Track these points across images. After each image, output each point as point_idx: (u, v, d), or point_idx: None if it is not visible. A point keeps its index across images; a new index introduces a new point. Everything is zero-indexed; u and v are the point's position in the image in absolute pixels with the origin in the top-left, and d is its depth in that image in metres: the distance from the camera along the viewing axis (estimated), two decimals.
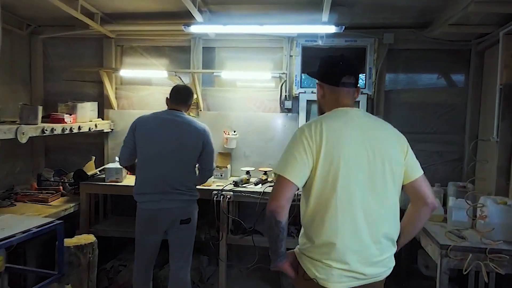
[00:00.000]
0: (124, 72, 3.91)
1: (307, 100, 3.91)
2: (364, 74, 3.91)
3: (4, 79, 3.88)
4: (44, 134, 3.12)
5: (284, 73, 3.86)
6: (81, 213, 3.62)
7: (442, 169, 3.87)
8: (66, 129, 3.40)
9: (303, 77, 4.03)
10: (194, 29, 3.39)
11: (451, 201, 3.04)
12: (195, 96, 4.01)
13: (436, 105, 3.87)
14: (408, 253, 3.70)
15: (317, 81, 1.79)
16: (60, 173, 4.12)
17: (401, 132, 1.78)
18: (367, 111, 3.80)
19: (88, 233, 3.44)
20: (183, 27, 3.36)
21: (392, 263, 1.72)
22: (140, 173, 2.77)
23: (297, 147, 1.59)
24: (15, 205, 3.39)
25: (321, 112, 1.79)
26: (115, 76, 4.16)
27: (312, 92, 3.92)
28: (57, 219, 3.27)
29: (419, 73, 3.98)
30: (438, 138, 3.87)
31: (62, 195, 3.75)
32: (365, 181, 1.59)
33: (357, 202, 1.57)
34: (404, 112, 3.91)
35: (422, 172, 1.73)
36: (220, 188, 3.47)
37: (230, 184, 3.57)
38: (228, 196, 3.37)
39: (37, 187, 3.80)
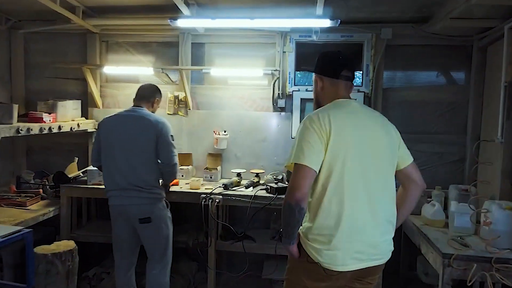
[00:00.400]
0: (108, 69, 3.71)
1: (301, 99, 3.73)
2: (361, 72, 3.73)
3: None
4: (19, 134, 2.92)
5: (276, 70, 3.67)
6: (62, 217, 3.43)
7: (442, 171, 3.69)
8: (45, 129, 3.20)
9: (298, 75, 3.84)
10: (181, 23, 3.20)
11: (453, 205, 2.87)
12: (181, 94, 3.83)
13: (436, 103, 3.69)
14: (407, 259, 3.52)
15: (315, 75, 1.88)
16: (42, 175, 3.92)
17: (399, 132, 1.89)
18: None
19: (69, 239, 3.26)
20: (169, 21, 3.17)
21: (391, 246, 1.81)
22: (104, 171, 2.82)
23: (311, 135, 1.65)
24: None
25: (318, 105, 1.87)
26: (100, 74, 3.96)
27: (306, 90, 3.73)
28: (35, 224, 3.11)
29: (418, 70, 3.80)
30: (438, 139, 3.69)
31: (43, 199, 3.56)
32: (369, 167, 1.69)
33: (361, 187, 1.67)
34: (403, 111, 3.74)
35: (413, 159, 1.89)
36: (209, 191, 3.28)
37: (220, 187, 3.38)
38: (217, 200, 3.18)
39: (16, 190, 3.61)
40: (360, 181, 1.67)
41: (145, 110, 2.84)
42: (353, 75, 1.87)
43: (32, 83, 4.11)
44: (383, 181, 1.73)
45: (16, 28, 3.95)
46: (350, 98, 1.84)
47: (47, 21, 3.82)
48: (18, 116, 3.33)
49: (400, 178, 1.88)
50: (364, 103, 3.63)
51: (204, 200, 3.18)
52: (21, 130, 2.92)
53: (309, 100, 3.75)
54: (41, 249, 3.01)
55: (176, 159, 2.82)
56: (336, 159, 1.64)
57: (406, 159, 1.85)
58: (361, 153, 1.68)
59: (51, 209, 3.32)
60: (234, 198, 3.21)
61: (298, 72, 3.83)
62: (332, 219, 1.65)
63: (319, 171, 1.65)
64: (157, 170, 2.81)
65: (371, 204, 1.68)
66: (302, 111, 3.74)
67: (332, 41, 3.69)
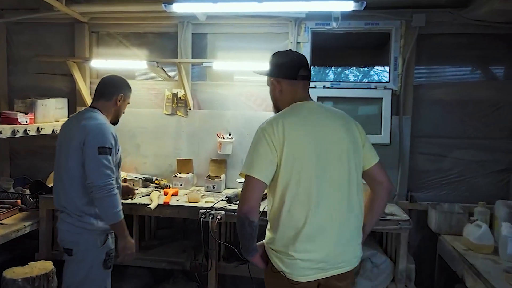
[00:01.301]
0: (96, 63, 3.24)
1: (317, 97, 3.21)
2: (388, 66, 3.21)
3: None
4: None
5: None
6: (41, 233, 2.98)
7: (484, 182, 3.14)
8: (18, 131, 2.74)
9: (314, 69, 3.33)
10: (177, 8, 2.72)
11: (505, 228, 2.35)
12: (180, 91, 3.35)
13: (477, 103, 3.15)
14: (441, 286, 2.99)
15: (272, 78, 1.81)
16: (24, 182, 3.49)
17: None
18: (391, 109, 3.12)
19: (49, 258, 2.81)
20: (163, 5, 2.70)
21: (359, 252, 1.75)
22: None
23: (261, 145, 1.63)
24: None
25: (277, 109, 1.82)
26: (89, 69, 3.50)
27: (324, 87, 3.22)
28: (6, 242, 2.68)
29: (456, 64, 3.25)
30: (479, 144, 3.15)
31: (21, 210, 3.11)
32: (330, 172, 1.64)
33: (322, 194, 1.62)
34: (437, 111, 3.20)
35: (378, 159, 1.82)
36: (210, 205, 2.79)
37: (223, 200, 2.89)
38: (219, 217, 2.68)
39: None
40: (322, 187, 1.62)
41: (92, 112, 2.23)
42: (310, 73, 1.83)
43: (15, 79, 3.68)
44: (346, 185, 1.67)
45: None
46: (308, 97, 1.81)
47: (30, 10, 3.39)
48: None
49: (366, 179, 1.83)
50: (391, 103, 3.12)
51: (203, 216, 2.69)
52: None
53: (327, 98, 3.24)
54: (11, 272, 2.55)
55: (104, 180, 2.05)
56: (292, 168, 1.62)
57: (370, 159, 1.80)
58: (320, 158, 1.63)
59: (27, 223, 2.88)
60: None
61: (314, 66, 3.32)
62: (292, 229, 1.63)
63: (277, 181, 1.64)
64: (86, 189, 2.13)
65: (334, 211, 1.64)
66: None
67: (355, 29, 3.18)
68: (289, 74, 1.77)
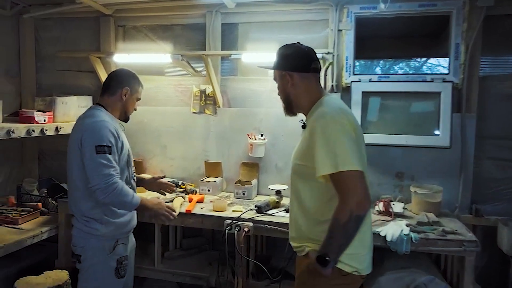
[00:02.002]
0: (118, 57, 3.02)
1: (362, 92, 2.79)
2: (448, 55, 2.72)
3: None
4: None
5: (329, 53, 2.76)
6: (59, 239, 2.81)
7: None
8: (34, 130, 2.57)
9: (357, 63, 2.92)
10: None
11: None
12: (200, 88, 3.05)
13: None
14: None
15: (283, 72, 1.71)
16: (49, 185, 3.34)
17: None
18: (452, 105, 2.66)
19: (67, 268, 2.62)
20: None
21: None
22: None
23: (346, 135, 1.49)
24: None
25: (289, 104, 1.75)
26: (114, 64, 3.29)
27: (370, 81, 2.80)
28: (21, 250, 2.51)
29: None
30: None
31: (43, 214, 2.95)
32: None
33: None
34: (507, 108, 2.69)
35: None
36: (237, 214, 2.46)
37: (252, 209, 2.55)
38: (246, 229, 2.35)
39: (14, 202, 3.03)
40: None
41: (94, 109, 2.07)
42: (321, 67, 1.78)
43: (43, 77, 3.56)
44: None
45: (23, 14, 3.40)
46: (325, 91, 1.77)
47: (55, 5, 3.23)
48: (9, 115, 2.79)
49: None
50: (452, 97, 2.65)
51: (228, 227, 2.37)
52: None
53: (374, 93, 2.82)
54: (23, 283, 2.41)
55: (105, 180, 1.89)
56: (362, 160, 1.55)
57: None
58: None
59: (44, 229, 2.70)
60: (268, 227, 2.37)
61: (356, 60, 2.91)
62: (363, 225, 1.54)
63: None
64: (90, 192, 1.96)
65: None
66: (364, 107, 2.80)
67: (407, 12, 2.73)
68: (301, 66, 1.68)
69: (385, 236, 2.21)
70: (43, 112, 2.73)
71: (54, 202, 3.00)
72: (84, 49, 3.37)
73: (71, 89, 3.39)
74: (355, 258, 1.57)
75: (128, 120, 2.23)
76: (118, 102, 2.10)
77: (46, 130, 2.67)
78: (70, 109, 2.95)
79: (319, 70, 1.74)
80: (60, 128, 2.79)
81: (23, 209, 2.91)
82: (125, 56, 2.98)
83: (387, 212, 2.53)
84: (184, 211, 2.52)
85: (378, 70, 4.77)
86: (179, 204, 2.60)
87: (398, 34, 3.45)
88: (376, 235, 2.21)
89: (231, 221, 2.40)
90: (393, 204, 2.57)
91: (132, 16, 3.26)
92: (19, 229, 2.67)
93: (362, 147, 1.59)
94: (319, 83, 1.74)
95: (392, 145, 2.79)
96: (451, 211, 2.64)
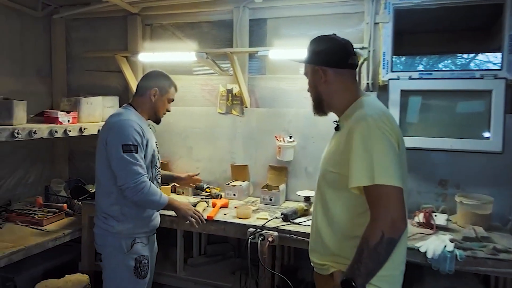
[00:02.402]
0: (143, 57, 2.94)
1: (401, 91, 2.55)
2: (500, 49, 2.42)
3: (13, 70, 3.17)
4: (16, 139, 2.26)
5: (364, 48, 2.53)
6: (82, 242, 2.77)
7: None
8: (57, 131, 2.53)
9: (396, 60, 2.68)
10: None
11: None
12: (227, 88, 2.91)
13: None
14: None
15: (315, 66, 1.51)
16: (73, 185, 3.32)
17: None
18: (505, 105, 2.37)
19: (89, 269, 2.57)
20: None
21: None
22: None
23: (387, 144, 1.30)
24: (0, 227, 2.64)
25: (319, 103, 1.56)
26: (142, 64, 3.23)
27: (409, 78, 2.55)
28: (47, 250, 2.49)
29: None
30: None
31: (68, 215, 2.92)
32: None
33: None
34: None
35: None
36: (262, 222, 2.30)
37: (277, 217, 2.38)
38: (270, 239, 2.18)
39: (42, 203, 3.03)
40: None
41: (123, 108, 2.09)
42: (358, 63, 1.67)
43: (73, 77, 3.56)
44: None
45: (54, 15, 3.41)
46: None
47: (85, 5, 3.22)
48: (35, 115, 2.77)
49: None
50: (505, 96, 2.36)
51: (252, 236, 2.21)
52: (17, 133, 2.25)
53: (414, 92, 2.56)
54: (43, 286, 2.37)
55: (134, 179, 1.90)
56: (403, 174, 1.33)
57: None
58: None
59: (67, 231, 2.66)
60: (294, 237, 2.18)
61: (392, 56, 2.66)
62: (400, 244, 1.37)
63: None
64: (116, 193, 1.98)
65: None
66: (403, 109, 2.55)
67: (452, 2, 2.45)
68: (336, 61, 1.49)
69: (425, 252, 1.97)
70: (67, 113, 2.68)
71: (79, 203, 2.97)
72: (112, 49, 3.33)
73: (99, 90, 3.36)
74: (386, 280, 1.39)
75: (160, 121, 2.20)
76: (147, 103, 2.09)
77: (70, 131, 2.63)
78: (96, 110, 2.91)
79: (356, 66, 1.55)
80: (84, 129, 2.74)
81: (49, 210, 2.90)
82: (150, 55, 2.90)
83: (428, 224, 2.28)
84: (206, 218, 2.39)
85: (419, 68, 4.44)
86: (201, 210, 2.47)
87: (441, 28, 3.15)
88: (415, 250, 1.98)
89: (254, 229, 2.24)
90: (435, 216, 2.31)
91: (159, 14, 3.18)
92: (43, 230, 2.64)
93: (404, 161, 1.41)
94: (356, 81, 1.55)
95: (435, 149, 2.53)
96: (503, 225, 2.33)
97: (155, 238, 2.22)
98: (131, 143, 1.91)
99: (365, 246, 1.24)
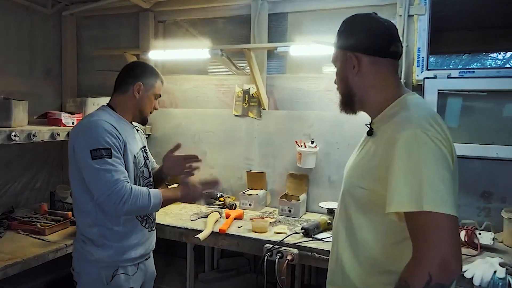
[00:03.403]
0: (154, 54, 2.75)
1: (439, 91, 2.26)
2: None
3: (21, 70, 3.03)
4: (13, 142, 2.08)
5: None
6: None
7: None
8: (59, 134, 2.34)
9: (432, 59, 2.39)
10: None
11: None
12: (243, 88, 2.68)
13: None
14: None
15: (346, 52, 1.22)
16: None
17: None
18: None
19: None
20: None
21: None
22: None
23: (442, 159, 1.01)
24: (0, 236, 2.45)
25: (350, 98, 1.25)
26: (153, 63, 3.03)
27: (448, 77, 2.26)
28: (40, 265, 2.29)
29: None
30: None
31: (73, 224, 2.72)
32: None
33: None
34: None
35: None
36: (280, 238, 2.05)
37: (297, 232, 2.12)
38: (289, 257, 1.92)
39: (46, 209, 2.85)
40: None
41: (96, 110, 1.79)
42: (402, 51, 1.25)
43: (84, 77, 3.40)
44: None
45: (64, 12, 3.27)
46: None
47: (96, 1, 3.05)
48: (38, 116, 2.60)
49: None
50: None
51: (268, 253, 1.96)
52: (15, 136, 2.07)
53: (454, 93, 2.27)
54: None
55: (109, 189, 1.53)
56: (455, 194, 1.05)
57: None
58: None
59: (69, 242, 2.45)
60: (317, 256, 1.92)
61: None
62: None
63: None
64: (94, 212, 1.65)
65: None
66: (441, 112, 2.26)
67: None
68: (375, 48, 1.19)
69: (471, 278, 1.68)
70: (72, 114, 2.51)
71: None
72: (123, 48, 3.16)
73: (110, 90, 3.15)
74: None
75: (146, 122, 1.89)
76: (130, 100, 1.76)
77: None
78: None
79: (400, 55, 1.25)
80: None
81: (53, 217, 2.71)
82: (161, 53, 2.70)
83: (471, 244, 1.99)
84: (218, 231, 2.15)
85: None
86: (213, 222, 2.24)
87: (477, 25, 2.83)
88: (459, 276, 1.68)
89: (272, 245, 1.99)
90: (479, 234, 2.01)
91: (172, 10, 2.99)
92: (44, 240, 2.45)
93: (457, 179, 1.12)
94: (398, 74, 1.26)
95: (477, 157, 2.23)
96: None
97: (152, 262, 1.91)
98: (101, 147, 1.56)
99: None
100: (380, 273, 1.12)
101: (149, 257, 1.87)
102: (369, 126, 1.26)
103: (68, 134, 2.42)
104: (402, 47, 1.25)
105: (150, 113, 1.86)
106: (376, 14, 1.26)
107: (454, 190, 1.02)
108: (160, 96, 1.87)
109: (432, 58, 2.65)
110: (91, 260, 1.66)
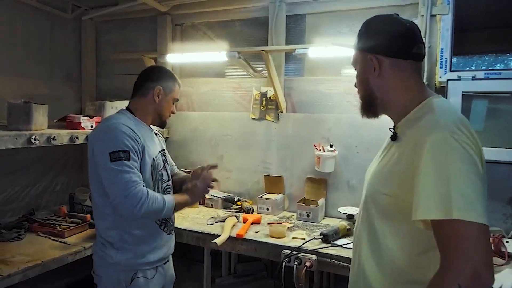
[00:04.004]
0: (171, 58, 2.75)
1: (463, 93, 2.19)
2: None
3: (42, 73, 3.08)
4: (33, 145, 2.10)
5: None
6: None
7: None
8: (78, 137, 2.36)
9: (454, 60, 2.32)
10: None
11: None
12: (261, 91, 2.65)
13: None
14: None
15: (366, 54, 1.19)
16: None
17: None
18: None
19: None
20: None
21: None
22: None
23: (473, 165, 0.97)
24: (21, 238, 2.49)
25: (372, 101, 1.21)
26: (170, 66, 3.04)
27: (473, 79, 2.18)
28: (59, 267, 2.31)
29: None
30: None
31: (91, 226, 2.74)
32: None
33: None
34: None
35: None
36: (298, 244, 2.01)
37: (316, 238, 2.08)
38: (308, 264, 1.88)
39: (66, 212, 2.88)
40: None
41: (115, 113, 1.81)
42: (425, 53, 1.20)
43: (103, 81, 3.44)
44: None
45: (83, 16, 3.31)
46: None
47: (113, 6, 3.08)
48: (58, 120, 2.63)
49: None
50: None
51: (286, 259, 1.93)
52: (35, 139, 2.09)
53: (479, 95, 2.19)
54: None
55: (124, 190, 1.54)
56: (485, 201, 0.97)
57: None
58: None
59: (88, 244, 2.47)
60: (336, 262, 1.87)
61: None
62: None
63: None
64: (112, 215, 1.66)
65: None
66: (466, 114, 2.17)
67: None
68: (397, 50, 1.16)
69: None
70: (90, 118, 2.52)
71: None
72: (141, 51, 3.17)
73: (128, 94, 3.16)
74: None
75: (165, 125, 1.92)
76: (149, 104, 1.78)
77: None
78: None
79: (422, 57, 1.21)
80: None
81: (72, 220, 2.74)
82: (178, 56, 2.70)
83: (498, 252, 1.91)
84: (235, 236, 2.13)
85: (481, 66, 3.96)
86: (230, 226, 2.22)
87: (502, 23, 2.73)
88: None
89: (290, 251, 1.95)
90: (507, 242, 1.93)
91: (189, 13, 2.99)
92: (64, 243, 2.48)
93: (486, 186, 1.06)
94: (421, 76, 1.22)
95: (504, 162, 2.14)
96: None
97: (171, 265, 1.92)
98: (120, 149, 1.58)
99: None
100: (405, 283, 1.07)
101: (168, 261, 1.88)
102: (392, 130, 1.21)
103: (87, 137, 2.44)
104: (425, 48, 1.20)
105: (169, 116, 1.88)
106: (398, 15, 1.21)
107: (484, 197, 0.96)
108: (178, 100, 1.88)
109: (455, 60, 2.57)
110: (110, 263, 1.67)
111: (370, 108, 1.23)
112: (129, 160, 1.57)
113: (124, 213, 1.59)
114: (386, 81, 1.18)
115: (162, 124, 1.88)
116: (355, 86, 1.28)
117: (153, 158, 1.74)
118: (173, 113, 1.88)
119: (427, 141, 0.99)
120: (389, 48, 1.16)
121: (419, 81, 1.19)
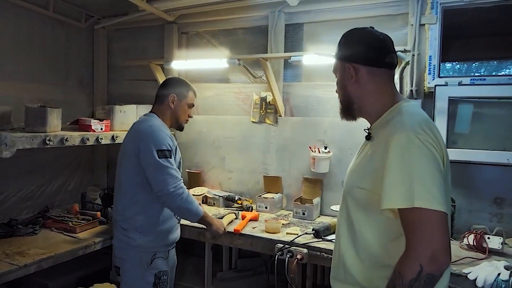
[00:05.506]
0: (176, 64, 2.91)
1: (449, 98, 2.30)
2: None
3: (56, 80, 3.28)
4: (47, 146, 2.28)
5: (406, 51, 2.33)
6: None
7: None
8: (88, 139, 2.53)
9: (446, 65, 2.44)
10: None
11: None
12: (261, 96, 2.80)
13: None
14: None
15: (345, 63, 1.31)
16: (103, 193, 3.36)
17: None
18: None
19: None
20: None
21: None
22: None
23: (433, 159, 1.10)
24: (36, 233, 2.67)
25: (349, 105, 1.34)
26: (176, 72, 3.21)
27: (459, 84, 2.30)
28: (79, 258, 2.48)
29: None
30: None
31: (102, 223, 2.92)
32: None
33: None
34: None
35: None
36: (291, 238, 2.15)
37: (308, 233, 2.21)
38: (299, 256, 2.02)
39: (78, 210, 3.06)
40: None
41: (147, 116, 2.11)
42: (397, 62, 1.37)
43: (114, 87, 3.63)
44: None
45: (98, 26, 3.51)
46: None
47: (123, 16, 3.27)
48: (71, 123, 2.82)
49: None
50: None
51: (279, 253, 2.07)
52: (49, 140, 2.27)
53: (465, 100, 2.31)
54: None
55: (173, 185, 1.89)
56: (447, 194, 1.12)
57: None
58: None
59: (98, 239, 2.64)
60: (325, 255, 2.01)
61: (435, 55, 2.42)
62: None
63: None
64: (143, 202, 1.97)
65: None
66: (452, 117, 2.30)
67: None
68: (371, 59, 1.29)
69: (475, 280, 1.72)
70: (100, 121, 2.70)
71: (111, 211, 2.97)
72: (150, 58, 3.35)
73: (137, 99, 3.38)
74: None
75: (183, 129, 2.20)
76: (167, 110, 2.10)
77: (102, 139, 2.63)
78: (129, 118, 2.90)
79: (395, 65, 1.34)
80: (117, 137, 2.74)
81: (83, 217, 2.92)
82: (182, 63, 2.87)
83: (480, 248, 2.02)
84: (233, 231, 2.27)
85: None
86: (227, 222, 2.36)
87: (493, 31, 2.83)
88: (463, 277, 1.74)
89: (282, 245, 2.09)
90: (488, 238, 2.04)
91: (194, 22, 3.17)
92: (75, 238, 2.65)
93: (449, 181, 1.20)
94: (394, 83, 1.34)
95: (489, 163, 2.24)
96: None
97: (175, 251, 2.16)
98: (165, 148, 1.91)
99: (399, 282, 1.04)
100: (380, 267, 1.19)
101: (174, 246, 2.14)
102: (367, 131, 1.34)
103: (97, 139, 2.62)
104: (397, 58, 1.34)
105: (186, 121, 2.16)
106: (373, 28, 1.35)
107: (445, 190, 1.09)
108: (193, 105, 2.17)
109: (458, 65, 2.69)
110: (133, 245, 1.93)
111: (348, 111, 1.36)
112: (171, 158, 1.89)
113: (167, 201, 1.90)
114: (362, 87, 1.30)
115: (179, 128, 2.17)
116: (336, 91, 1.41)
117: (179, 157, 2.06)
118: (190, 117, 2.16)
119: (393, 139, 1.12)
120: (365, 57, 1.29)
121: (391, 87, 1.32)
